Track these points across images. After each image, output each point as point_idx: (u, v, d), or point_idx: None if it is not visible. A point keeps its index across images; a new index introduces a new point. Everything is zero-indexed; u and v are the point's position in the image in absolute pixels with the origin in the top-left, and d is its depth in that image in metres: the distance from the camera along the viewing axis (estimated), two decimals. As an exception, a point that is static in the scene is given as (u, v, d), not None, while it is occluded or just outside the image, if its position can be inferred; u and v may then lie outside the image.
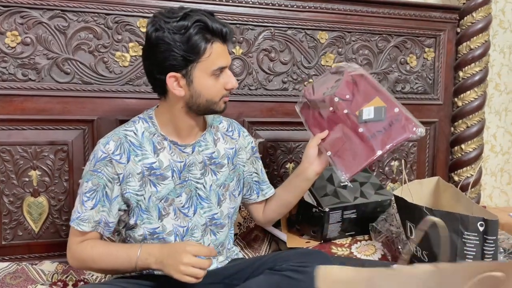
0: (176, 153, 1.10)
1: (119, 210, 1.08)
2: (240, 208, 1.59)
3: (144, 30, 1.53)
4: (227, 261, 1.20)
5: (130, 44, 1.54)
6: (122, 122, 1.51)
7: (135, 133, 1.09)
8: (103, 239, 1.11)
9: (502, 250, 1.42)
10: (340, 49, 1.80)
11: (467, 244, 1.15)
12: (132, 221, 1.09)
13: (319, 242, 1.52)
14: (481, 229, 1.12)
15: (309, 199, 1.52)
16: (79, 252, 1.06)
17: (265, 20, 1.69)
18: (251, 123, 1.70)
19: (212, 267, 1.15)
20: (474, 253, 1.14)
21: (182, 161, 1.11)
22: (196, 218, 1.12)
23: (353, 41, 1.81)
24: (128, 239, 1.13)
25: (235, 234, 1.55)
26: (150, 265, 1.00)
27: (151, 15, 1.52)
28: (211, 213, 1.14)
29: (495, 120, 2.18)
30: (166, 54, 1.01)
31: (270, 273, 1.05)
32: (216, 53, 1.03)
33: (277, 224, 1.65)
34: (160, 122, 1.11)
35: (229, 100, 1.63)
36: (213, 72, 1.04)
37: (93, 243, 1.06)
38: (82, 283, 1.27)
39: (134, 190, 1.07)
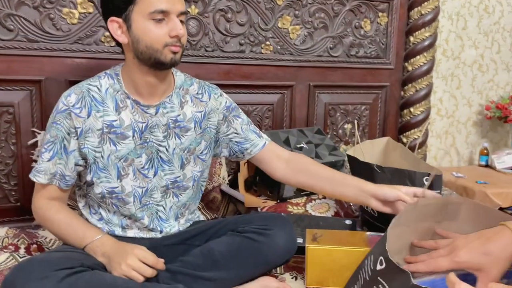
0: (138, 113, 1.08)
1: (76, 165, 1.07)
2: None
3: (93, -15, 1.46)
4: (189, 224, 1.21)
5: (79, 0, 1.46)
6: (72, 83, 1.46)
7: (98, 89, 1.06)
8: (68, 204, 1.12)
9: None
10: (297, 12, 1.80)
11: (413, 198, 1.22)
12: (88, 178, 1.08)
13: (276, 202, 1.56)
14: (426, 183, 1.20)
15: (266, 160, 1.55)
16: (44, 210, 1.07)
17: (222, -21, 1.65)
18: (208, 85, 1.68)
19: (174, 229, 1.16)
20: (419, 206, 1.21)
21: (144, 122, 1.08)
22: (156, 180, 1.11)
23: (310, 3, 1.82)
24: (89, 195, 1.11)
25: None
26: (96, 254, 1.01)
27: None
28: (173, 176, 1.13)
29: (442, 85, 2.29)
30: None
31: (233, 234, 1.07)
32: None
33: (235, 186, 1.67)
34: (125, 79, 1.08)
35: (184, 62, 1.62)
36: (151, 15, 0.99)
37: (59, 207, 1.07)
38: (34, 245, 1.24)
39: (92, 146, 1.05)
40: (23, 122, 1.44)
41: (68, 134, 1.04)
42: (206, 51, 1.68)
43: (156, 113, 1.09)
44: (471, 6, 2.26)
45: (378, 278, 0.76)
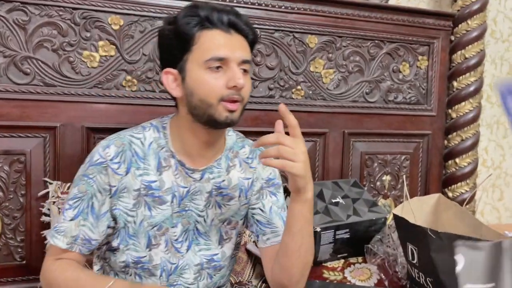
0: (182, 175, 0.93)
1: (108, 227, 0.91)
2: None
3: (115, 27, 1.38)
4: None
5: (100, 43, 1.38)
6: (90, 129, 1.35)
7: (142, 142, 0.92)
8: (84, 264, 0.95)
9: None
10: (330, 55, 1.68)
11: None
12: (115, 244, 0.92)
13: (309, 265, 1.38)
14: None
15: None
16: (49, 272, 0.90)
17: (251, 21, 1.54)
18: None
19: None
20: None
21: (187, 187, 0.93)
22: (189, 255, 0.95)
23: (344, 46, 1.70)
24: (107, 261, 0.96)
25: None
26: None
27: (124, 10, 1.39)
28: (210, 252, 0.97)
29: (487, 133, 2.11)
30: (161, 48, 0.92)
31: None
32: (210, 41, 0.85)
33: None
34: (173, 135, 0.93)
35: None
36: (207, 63, 0.85)
37: (65, 266, 0.91)
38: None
39: (125, 208, 0.90)
40: (35, 171, 1.33)
41: (100, 192, 0.89)
42: (233, 96, 1.56)
43: (201, 178, 0.94)
44: (516, 50, 2.11)
45: None
